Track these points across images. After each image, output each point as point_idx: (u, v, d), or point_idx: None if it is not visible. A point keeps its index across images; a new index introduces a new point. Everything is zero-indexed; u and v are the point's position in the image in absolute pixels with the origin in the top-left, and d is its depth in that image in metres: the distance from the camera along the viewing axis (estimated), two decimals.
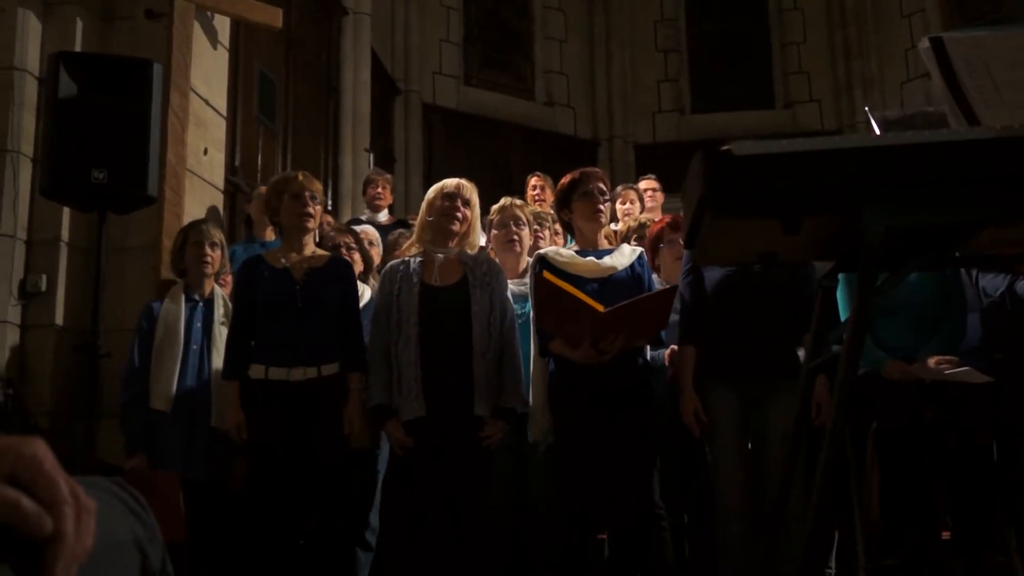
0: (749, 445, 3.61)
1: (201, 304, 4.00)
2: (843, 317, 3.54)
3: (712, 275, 3.68)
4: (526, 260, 4.06)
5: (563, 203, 3.84)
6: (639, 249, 3.84)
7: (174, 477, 3.66)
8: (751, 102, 12.50)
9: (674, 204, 6.62)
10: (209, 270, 4.04)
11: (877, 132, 2.14)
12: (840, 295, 3.64)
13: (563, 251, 3.79)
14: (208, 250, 4.03)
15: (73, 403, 4.40)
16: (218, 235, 4.10)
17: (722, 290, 3.64)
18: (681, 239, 4.05)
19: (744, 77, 12.67)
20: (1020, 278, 3.44)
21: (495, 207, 4.12)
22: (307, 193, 3.72)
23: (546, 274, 3.44)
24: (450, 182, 3.73)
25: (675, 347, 3.86)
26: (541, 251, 3.85)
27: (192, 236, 4.06)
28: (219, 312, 3.99)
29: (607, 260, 3.67)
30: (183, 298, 4.00)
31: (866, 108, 2.46)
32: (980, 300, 3.86)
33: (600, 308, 3.33)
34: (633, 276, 3.67)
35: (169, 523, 3.61)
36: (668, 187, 6.74)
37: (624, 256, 3.72)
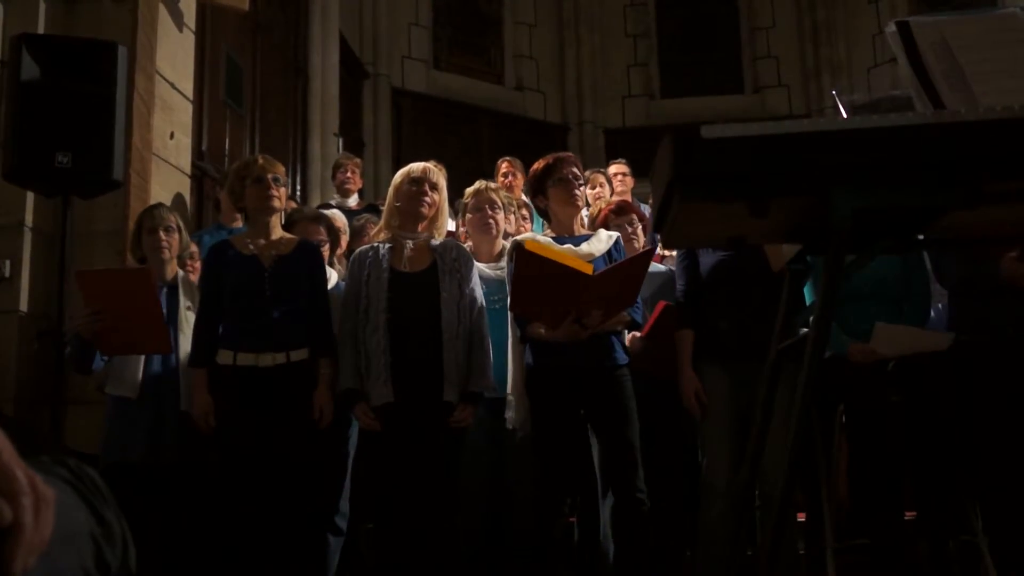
0: (738, 428, 3.64)
1: (165, 289, 3.95)
2: (809, 300, 3.57)
3: (706, 259, 3.70)
4: (501, 243, 4.06)
5: (537, 189, 3.83)
6: (615, 234, 3.83)
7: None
8: (720, 87, 12.55)
9: (644, 188, 6.65)
10: (166, 255, 3.97)
11: (844, 116, 2.15)
12: None
13: (540, 238, 3.78)
14: (163, 235, 3.96)
15: (38, 390, 4.35)
16: (173, 219, 4.04)
17: (715, 273, 3.66)
18: (626, 224, 4.08)
19: (713, 62, 12.71)
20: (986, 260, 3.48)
21: (469, 190, 4.10)
22: (269, 176, 3.68)
23: (528, 244, 3.42)
24: (416, 166, 3.71)
25: (636, 333, 3.88)
26: (518, 237, 3.84)
27: (146, 223, 4.00)
28: (183, 297, 3.95)
29: (584, 247, 3.67)
30: None
31: (833, 92, 2.47)
32: (945, 283, 3.90)
33: (589, 269, 3.33)
34: (610, 263, 3.66)
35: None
36: (638, 171, 6.76)
37: (601, 242, 3.72)
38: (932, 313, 3.86)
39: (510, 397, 3.72)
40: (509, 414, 3.69)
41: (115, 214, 4.62)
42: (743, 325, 3.57)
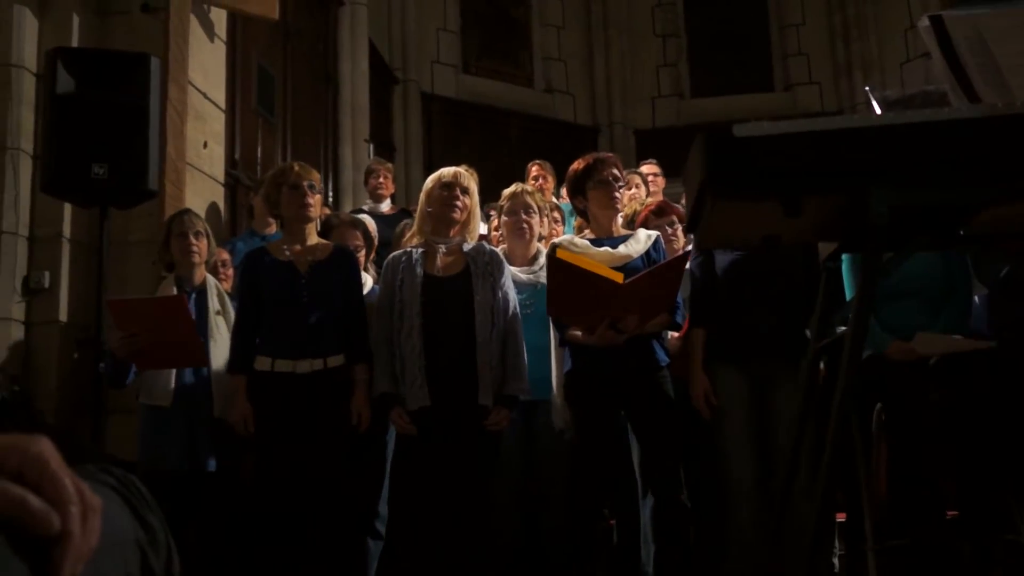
0: (758, 428, 3.62)
1: (194, 295, 3.96)
2: (848, 298, 3.54)
3: (722, 257, 3.67)
4: (536, 247, 4.05)
5: (576, 190, 3.79)
6: (654, 234, 3.78)
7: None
8: (751, 85, 12.45)
9: (675, 189, 6.63)
10: (197, 259, 4.00)
11: (878, 112, 2.13)
12: (844, 276, 3.63)
13: (578, 240, 3.74)
14: (193, 239, 3.98)
15: (79, 399, 4.40)
16: (201, 224, 4.07)
17: (731, 272, 3.64)
18: (667, 225, 4.05)
19: (743, 60, 12.62)
20: None
21: (506, 192, 4.08)
22: (305, 183, 3.71)
23: (559, 252, 3.42)
24: (447, 171, 3.71)
25: (673, 334, 3.86)
26: (556, 240, 3.83)
27: (176, 228, 4.03)
28: (213, 302, 3.96)
29: (622, 249, 3.63)
30: (174, 291, 3.97)
31: (866, 88, 2.44)
32: (985, 280, 3.85)
33: (619, 278, 3.31)
34: (649, 263, 3.61)
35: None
36: (669, 172, 6.73)
37: (639, 243, 3.67)
38: None
39: (556, 400, 3.72)
40: (555, 416, 3.69)
41: (151, 223, 4.67)
42: (759, 325, 3.55)
